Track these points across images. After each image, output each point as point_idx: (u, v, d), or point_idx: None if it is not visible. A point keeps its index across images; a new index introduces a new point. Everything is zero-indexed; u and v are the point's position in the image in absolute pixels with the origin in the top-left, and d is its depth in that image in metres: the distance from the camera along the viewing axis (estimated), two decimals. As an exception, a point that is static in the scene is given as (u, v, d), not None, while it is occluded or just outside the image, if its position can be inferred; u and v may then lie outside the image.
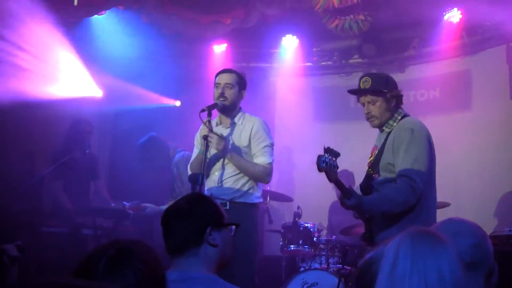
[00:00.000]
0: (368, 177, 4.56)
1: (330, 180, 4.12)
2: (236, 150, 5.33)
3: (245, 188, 5.31)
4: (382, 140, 4.52)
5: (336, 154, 4.12)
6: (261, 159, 5.29)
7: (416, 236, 1.49)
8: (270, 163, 5.31)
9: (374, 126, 4.59)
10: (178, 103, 9.31)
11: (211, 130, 5.15)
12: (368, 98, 4.48)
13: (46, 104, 7.49)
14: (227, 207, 5.19)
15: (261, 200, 5.53)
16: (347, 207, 4.25)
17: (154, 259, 1.97)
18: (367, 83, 4.50)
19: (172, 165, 6.67)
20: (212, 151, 5.31)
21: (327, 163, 4.02)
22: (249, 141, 5.33)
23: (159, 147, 6.78)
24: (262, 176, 5.30)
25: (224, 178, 5.32)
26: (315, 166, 4.01)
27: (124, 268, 1.88)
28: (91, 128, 7.57)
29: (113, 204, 7.41)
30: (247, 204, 5.31)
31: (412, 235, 1.50)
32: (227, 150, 5.23)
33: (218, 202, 5.08)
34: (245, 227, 5.26)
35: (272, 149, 5.38)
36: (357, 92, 4.58)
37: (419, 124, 4.46)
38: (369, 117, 4.53)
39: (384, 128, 4.53)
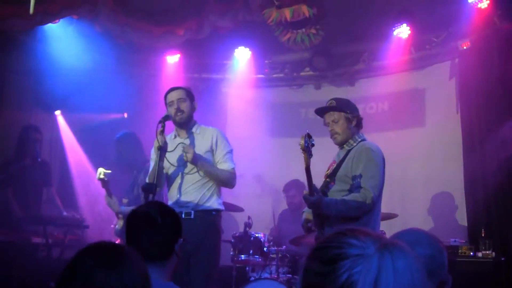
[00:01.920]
0: (325, 185, 5.01)
1: (305, 162, 4.57)
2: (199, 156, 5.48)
3: (207, 196, 5.49)
4: (341, 156, 5.05)
5: (313, 145, 4.59)
6: (225, 165, 5.53)
7: (395, 251, 1.50)
8: (234, 168, 5.58)
9: (336, 143, 5.11)
10: (125, 115, 9.28)
11: (164, 141, 5.26)
12: (332, 116, 5.04)
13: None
14: (192, 216, 5.32)
15: (223, 207, 5.64)
16: (309, 203, 4.72)
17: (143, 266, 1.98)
18: (332, 103, 5.10)
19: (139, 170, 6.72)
20: (171, 160, 5.44)
21: (308, 146, 4.51)
22: (211, 148, 5.55)
23: (135, 145, 6.83)
24: (229, 180, 5.56)
25: (186, 188, 5.48)
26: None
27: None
28: (40, 135, 7.52)
29: (65, 213, 7.36)
30: (210, 211, 5.47)
31: (391, 251, 1.50)
32: (197, 157, 5.40)
33: (183, 211, 5.26)
34: (210, 236, 5.41)
35: (232, 154, 5.64)
36: (323, 110, 5.13)
37: (377, 147, 5.01)
38: (332, 134, 5.08)
39: (344, 145, 5.05)
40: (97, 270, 1.81)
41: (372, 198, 4.70)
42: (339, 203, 4.74)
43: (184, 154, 5.39)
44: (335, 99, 5.17)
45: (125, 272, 1.83)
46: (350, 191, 4.82)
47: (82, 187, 8.41)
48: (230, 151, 5.62)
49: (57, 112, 8.87)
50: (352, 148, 5.00)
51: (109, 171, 6.15)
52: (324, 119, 5.14)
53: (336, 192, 4.90)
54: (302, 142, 4.47)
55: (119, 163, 6.84)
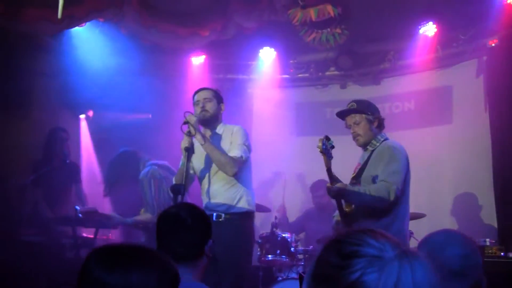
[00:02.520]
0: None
1: (325, 165, 4.62)
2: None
3: (237, 198, 5.42)
4: (366, 157, 5.11)
5: (332, 146, 4.64)
6: (233, 152, 5.38)
7: (414, 262, 1.49)
8: (241, 157, 5.37)
9: (359, 145, 5.17)
10: (149, 116, 9.35)
11: (191, 142, 5.26)
12: (353, 118, 5.12)
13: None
14: (222, 219, 5.29)
15: (254, 208, 5.57)
16: (332, 193, 4.76)
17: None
18: (353, 106, 5.17)
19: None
20: (198, 163, 5.45)
21: (327, 148, 4.55)
22: (230, 142, 5.49)
23: (129, 161, 6.71)
24: (227, 165, 5.32)
25: (214, 191, 5.44)
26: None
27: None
28: (67, 136, 7.62)
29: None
30: (241, 214, 5.41)
31: (410, 261, 1.49)
32: (200, 131, 5.35)
33: (213, 214, 5.24)
34: (241, 239, 5.35)
35: (248, 149, 5.50)
36: (344, 113, 5.20)
37: (400, 145, 5.07)
38: (354, 136, 5.15)
39: (368, 147, 5.10)
40: (96, 269, 1.84)
41: (395, 191, 4.70)
42: (361, 194, 4.77)
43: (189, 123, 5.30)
44: (355, 101, 5.25)
45: (122, 273, 1.84)
46: None
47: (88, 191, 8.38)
48: (244, 144, 5.46)
49: (82, 116, 8.97)
50: (375, 148, 5.05)
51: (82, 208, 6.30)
52: (345, 122, 5.20)
53: None
54: (320, 144, 4.51)
55: (121, 181, 6.80)
